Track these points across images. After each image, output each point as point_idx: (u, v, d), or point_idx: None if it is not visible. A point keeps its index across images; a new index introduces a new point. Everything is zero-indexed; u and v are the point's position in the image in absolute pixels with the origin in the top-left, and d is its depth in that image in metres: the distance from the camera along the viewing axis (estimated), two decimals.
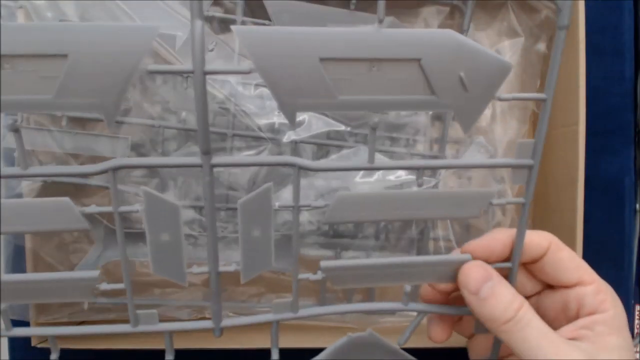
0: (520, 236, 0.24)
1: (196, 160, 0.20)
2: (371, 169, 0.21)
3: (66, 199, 0.20)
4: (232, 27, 0.18)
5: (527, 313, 0.23)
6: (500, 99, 0.20)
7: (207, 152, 0.20)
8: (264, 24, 0.33)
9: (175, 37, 0.31)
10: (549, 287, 0.26)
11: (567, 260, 0.25)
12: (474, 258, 0.24)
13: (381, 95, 0.19)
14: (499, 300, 0.23)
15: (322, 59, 0.18)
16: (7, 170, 0.20)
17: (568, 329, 0.24)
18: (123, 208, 0.21)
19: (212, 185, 0.20)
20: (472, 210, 0.23)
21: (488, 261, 0.24)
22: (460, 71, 0.19)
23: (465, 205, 0.23)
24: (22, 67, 0.17)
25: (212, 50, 0.33)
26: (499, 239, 0.25)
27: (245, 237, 0.22)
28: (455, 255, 0.25)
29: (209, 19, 0.33)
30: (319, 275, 0.23)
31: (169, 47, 0.32)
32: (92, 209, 0.21)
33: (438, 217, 0.24)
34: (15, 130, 0.19)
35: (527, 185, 0.23)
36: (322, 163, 0.22)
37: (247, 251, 0.22)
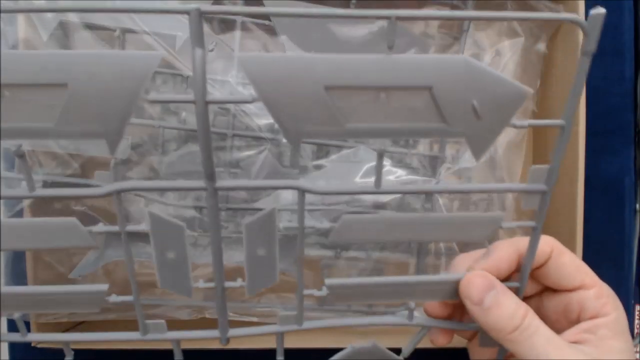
0: (529, 258, 0.23)
1: (200, 184, 0.20)
2: (378, 192, 0.20)
3: (73, 220, 0.20)
4: (235, 54, 0.18)
5: (534, 320, 0.23)
6: (516, 126, 0.20)
7: (211, 178, 0.19)
8: (264, 24, 0.33)
9: (175, 37, 0.32)
10: (550, 289, 0.26)
11: (568, 264, 0.25)
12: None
13: (390, 123, 0.18)
14: (504, 309, 0.23)
15: (327, 87, 0.17)
16: (11, 191, 0.20)
17: (571, 333, 0.24)
18: (130, 228, 0.21)
19: (217, 208, 0.20)
20: (481, 234, 0.23)
21: (500, 276, 0.24)
22: (473, 98, 0.18)
23: (473, 230, 0.22)
24: (23, 96, 0.17)
25: (212, 50, 0.33)
26: (503, 258, 0.24)
27: (250, 255, 0.22)
28: (454, 274, 0.25)
29: (209, 19, 0.33)
30: (323, 292, 0.23)
31: (168, 47, 0.32)
32: (100, 228, 0.21)
33: (448, 240, 0.23)
34: (21, 155, 0.19)
35: (539, 211, 0.22)
36: (327, 187, 0.21)
37: (251, 269, 0.22)
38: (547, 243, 0.25)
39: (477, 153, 0.19)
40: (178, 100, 0.20)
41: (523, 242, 0.24)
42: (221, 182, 0.20)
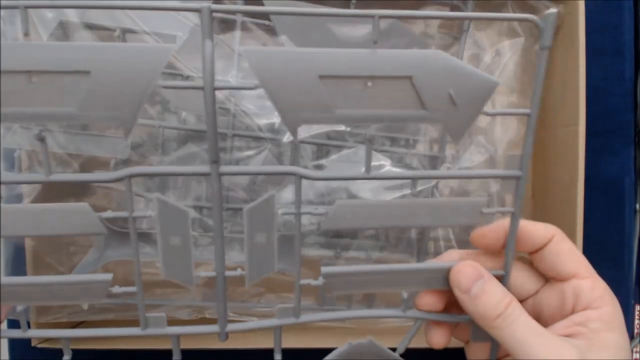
0: (510, 244, 0.24)
1: (205, 169, 0.21)
2: (368, 178, 0.22)
3: (85, 205, 0.21)
4: (238, 48, 0.19)
5: (516, 309, 0.23)
6: (488, 114, 0.22)
7: (215, 161, 0.21)
8: (264, 24, 0.33)
9: (175, 37, 0.32)
10: (547, 283, 0.26)
11: (566, 251, 0.25)
12: (484, 243, 0.25)
13: (376, 109, 0.21)
14: (490, 297, 0.23)
15: (321, 76, 0.20)
16: (29, 176, 0.21)
17: (562, 325, 0.24)
18: (137, 213, 0.22)
19: (220, 193, 0.21)
20: (467, 218, 0.24)
21: (497, 245, 0.25)
22: (449, 88, 0.20)
23: (459, 214, 0.24)
24: (49, 82, 0.19)
25: None
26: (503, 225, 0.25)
27: (250, 242, 0.23)
28: (445, 262, 0.26)
29: None
30: (320, 281, 0.24)
31: None
32: (109, 214, 0.22)
33: (434, 225, 0.25)
34: (42, 139, 0.20)
35: (515, 196, 0.24)
36: (322, 173, 0.23)
37: (251, 256, 0.23)
38: (549, 230, 0.25)
39: (455, 137, 0.21)
40: (188, 86, 0.21)
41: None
42: (224, 168, 0.21)
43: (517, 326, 0.23)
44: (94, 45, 0.19)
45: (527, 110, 0.22)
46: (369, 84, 0.20)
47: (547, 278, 0.27)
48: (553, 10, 0.20)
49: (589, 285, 0.24)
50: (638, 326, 0.41)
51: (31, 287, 0.22)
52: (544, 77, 0.22)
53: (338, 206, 0.23)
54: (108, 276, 0.22)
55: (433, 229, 0.37)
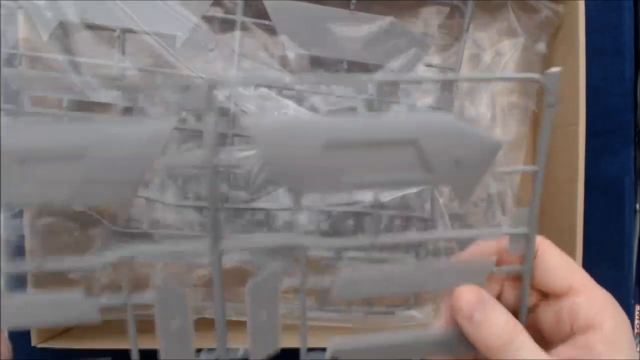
0: (523, 303, 0.24)
1: (204, 246, 0.21)
2: (373, 248, 0.22)
3: (79, 295, 0.21)
4: (243, 119, 0.18)
5: (520, 336, 0.22)
6: (496, 172, 0.21)
7: (217, 238, 0.21)
8: (264, 24, 0.33)
9: (175, 37, 0.32)
10: (544, 298, 0.25)
11: (556, 265, 0.23)
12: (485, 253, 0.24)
13: (381, 174, 0.20)
14: (493, 323, 0.22)
15: (325, 145, 0.19)
16: None
17: (564, 350, 0.22)
18: (134, 299, 0.21)
19: (220, 268, 0.21)
20: (476, 279, 0.23)
21: (500, 259, 0.24)
22: (454, 150, 0.20)
23: (468, 276, 0.23)
24: (41, 166, 0.18)
25: (212, 50, 0.33)
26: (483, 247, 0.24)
27: (253, 320, 0.23)
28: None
29: (209, 19, 0.33)
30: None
31: (168, 47, 0.32)
32: (105, 301, 0.21)
33: (442, 288, 0.24)
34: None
35: (526, 255, 0.23)
36: (327, 241, 0.23)
37: (254, 334, 0.23)
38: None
39: (462, 198, 0.21)
40: (191, 166, 0.21)
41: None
42: (226, 243, 0.21)
43: (522, 352, 0.21)
44: (87, 126, 0.19)
45: (534, 167, 0.22)
46: (374, 150, 0.20)
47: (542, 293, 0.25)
48: (555, 69, 0.20)
49: (586, 302, 0.22)
50: (638, 326, 0.41)
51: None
52: (548, 134, 0.21)
53: (344, 278, 0.22)
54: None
55: (432, 227, 0.37)
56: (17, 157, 0.18)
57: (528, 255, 0.23)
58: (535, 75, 0.20)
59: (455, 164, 0.20)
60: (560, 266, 0.23)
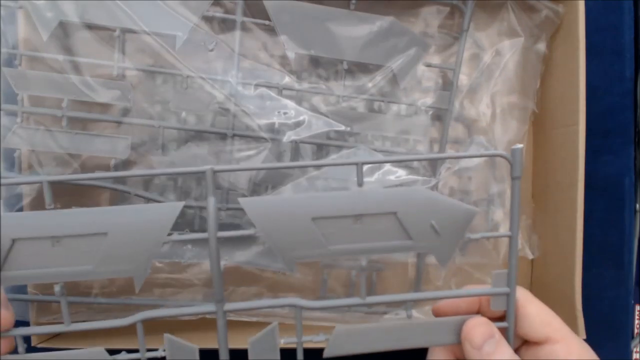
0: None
1: (210, 307, 0.23)
2: (364, 304, 0.23)
3: (101, 350, 0.23)
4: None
5: None
6: (470, 239, 0.23)
7: (220, 300, 0.23)
8: (264, 24, 0.33)
9: (175, 37, 0.32)
10: (525, 344, 0.26)
11: (534, 315, 0.24)
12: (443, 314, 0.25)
13: (366, 242, 0.23)
14: (499, 358, 0.23)
15: (314, 218, 0.22)
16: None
17: None
18: (149, 354, 0.23)
19: (225, 328, 0.24)
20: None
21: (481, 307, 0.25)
22: (431, 219, 0.22)
23: (458, 332, 0.24)
24: (69, 244, 0.21)
25: (212, 50, 0.33)
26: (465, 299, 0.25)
27: None
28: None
29: (209, 19, 0.33)
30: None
31: (169, 47, 0.32)
32: (123, 356, 0.24)
33: (434, 345, 0.26)
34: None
35: (507, 312, 0.24)
36: (321, 303, 0.24)
37: None
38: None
39: (441, 261, 0.23)
40: (193, 239, 0.23)
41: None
42: (229, 305, 0.23)
43: None
44: (110, 209, 0.22)
45: (508, 233, 0.24)
46: (358, 221, 0.22)
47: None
48: (519, 145, 0.22)
49: (564, 350, 0.24)
50: (638, 326, 0.41)
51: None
52: (518, 205, 0.23)
53: (337, 334, 0.24)
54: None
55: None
56: (50, 238, 0.21)
57: (509, 312, 0.24)
58: (503, 152, 0.23)
59: (433, 231, 0.23)
60: (539, 317, 0.25)
